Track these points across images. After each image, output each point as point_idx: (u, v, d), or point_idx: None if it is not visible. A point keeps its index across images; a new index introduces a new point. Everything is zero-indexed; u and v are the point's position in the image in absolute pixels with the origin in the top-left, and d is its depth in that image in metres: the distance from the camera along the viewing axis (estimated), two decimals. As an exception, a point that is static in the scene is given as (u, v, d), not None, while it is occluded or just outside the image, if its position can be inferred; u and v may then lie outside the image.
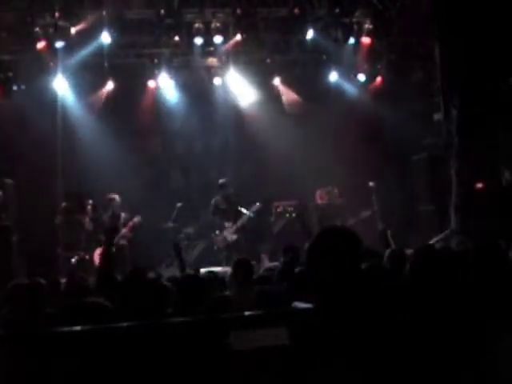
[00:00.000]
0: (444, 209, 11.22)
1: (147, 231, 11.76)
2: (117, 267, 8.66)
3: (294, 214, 12.49)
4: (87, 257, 10.96)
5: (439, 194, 11.55)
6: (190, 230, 12.30)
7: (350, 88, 13.13)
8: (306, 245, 2.68)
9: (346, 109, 12.79)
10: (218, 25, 11.81)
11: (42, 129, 11.61)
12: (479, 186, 10.68)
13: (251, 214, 11.51)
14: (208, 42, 11.98)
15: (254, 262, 7.20)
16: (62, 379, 2.89)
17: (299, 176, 12.17)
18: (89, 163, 11.90)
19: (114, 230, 5.80)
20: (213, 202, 11.62)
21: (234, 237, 11.47)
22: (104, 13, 11.29)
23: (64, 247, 11.34)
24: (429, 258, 3.86)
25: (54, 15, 11.20)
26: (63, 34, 11.23)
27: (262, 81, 13.16)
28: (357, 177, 11.95)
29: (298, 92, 13.23)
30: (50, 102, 12.05)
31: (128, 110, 12.77)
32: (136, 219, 11.19)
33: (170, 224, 11.92)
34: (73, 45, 11.48)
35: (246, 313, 3.63)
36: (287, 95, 13.30)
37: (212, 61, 12.88)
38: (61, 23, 11.18)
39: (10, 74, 11.80)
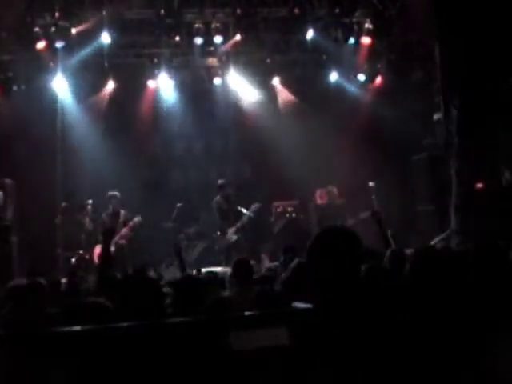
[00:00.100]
0: (444, 209, 11.22)
1: (147, 231, 11.76)
2: (117, 267, 8.69)
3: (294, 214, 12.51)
4: (87, 256, 10.96)
5: (439, 193, 11.55)
6: (189, 230, 12.30)
7: (350, 88, 13.12)
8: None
9: (346, 109, 12.79)
10: (218, 25, 11.81)
11: (41, 129, 11.61)
12: (479, 185, 10.68)
13: (251, 214, 11.51)
14: (208, 41, 11.98)
15: (253, 262, 7.22)
16: (62, 379, 2.89)
17: (299, 176, 12.17)
18: (89, 163, 11.90)
19: (112, 231, 5.79)
20: (213, 202, 11.61)
21: (235, 237, 11.47)
22: (104, 13, 11.29)
23: (64, 247, 11.34)
24: (429, 258, 3.86)
25: (54, 15, 11.20)
26: (63, 34, 11.24)
27: (262, 81, 13.16)
28: (357, 177, 11.95)
29: (297, 92, 13.23)
30: (50, 102, 12.06)
31: (128, 110, 12.77)
32: (136, 219, 11.19)
33: (170, 224, 11.92)
34: (73, 45, 11.49)
35: (246, 313, 3.63)
36: (283, 96, 13.31)
37: (212, 61, 12.88)
38: (61, 23, 11.18)
39: (10, 74, 11.80)
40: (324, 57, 12.89)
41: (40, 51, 11.40)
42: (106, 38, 11.39)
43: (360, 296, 2.49)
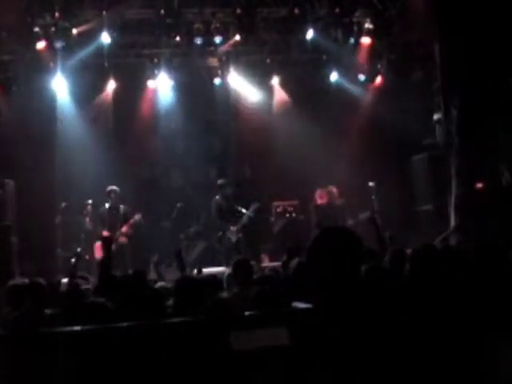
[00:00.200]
0: (444, 209, 11.23)
1: (147, 231, 11.76)
2: (117, 266, 8.69)
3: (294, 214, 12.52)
4: (87, 256, 10.96)
5: (439, 194, 11.55)
6: (190, 230, 12.29)
7: (350, 88, 13.12)
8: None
9: (346, 109, 12.78)
10: (218, 25, 11.81)
11: (41, 129, 11.61)
12: (479, 185, 10.69)
13: (251, 214, 11.51)
14: (208, 41, 11.97)
15: (253, 262, 7.22)
16: (62, 379, 2.89)
17: (299, 176, 12.16)
18: (88, 163, 11.89)
19: (111, 239, 5.76)
20: (213, 202, 11.61)
21: (235, 237, 11.47)
22: (104, 13, 11.28)
23: (64, 247, 11.34)
24: (429, 258, 3.86)
25: (54, 15, 11.19)
26: (63, 34, 11.23)
27: (262, 81, 13.16)
28: (357, 177, 11.95)
29: (297, 92, 13.21)
30: (50, 102, 12.05)
31: (128, 110, 12.77)
32: (136, 216, 11.18)
33: (170, 224, 11.92)
34: (73, 45, 11.48)
35: (246, 313, 3.63)
36: (279, 96, 13.32)
37: (212, 61, 12.88)
38: (61, 23, 11.18)
39: (10, 74, 11.79)
40: (324, 57, 12.88)
41: (40, 51, 11.39)
42: (105, 38, 11.38)
43: (360, 296, 2.49)
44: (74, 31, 11.31)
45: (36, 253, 11.04)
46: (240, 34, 11.97)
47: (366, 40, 12.30)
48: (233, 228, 11.47)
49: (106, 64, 12.07)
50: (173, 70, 12.51)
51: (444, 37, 11.15)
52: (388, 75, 13.02)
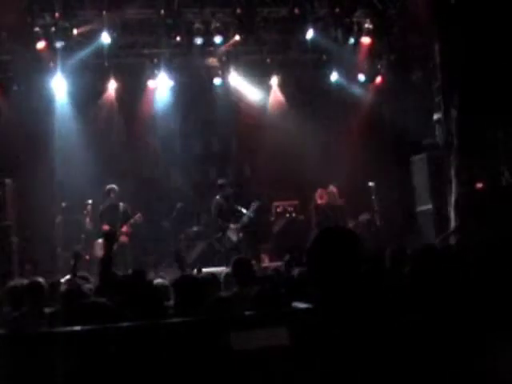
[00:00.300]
0: (444, 209, 11.22)
1: (147, 231, 11.76)
2: (117, 265, 8.69)
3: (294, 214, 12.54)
4: (87, 256, 10.96)
5: (439, 194, 11.54)
6: (190, 230, 12.29)
7: (350, 88, 13.12)
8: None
9: (346, 109, 12.79)
10: (218, 25, 11.81)
11: (41, 128, 11.61)
12: (479, 185, 10.69)
13: (251, 214, 11.51)
14: (208, 42, 11.97)
15: (253, 262, 7.22)
16: (62, 379, 2.89)
17: (299, 176, 12.16)
18: (88, 163, 11.89)
19: (113, 233, 5.71)
20: (213, 202, 11.61)
21: (235, 237, 11.47)
22: (104, 13, 11.28)
23: (64, 247, 11.34)
24: (429, 258, 3.86)
25: (54, 15, 11.19)
26: (63, 34, 11.23)
27: (262, 81, 13.16)
28: (357, 177, 11.95)
29: (297, 92, 13.22)
30: (50, 102, 12.05)
31: (128, 110, 12.77)
32: (137, 216, 11.19)
33: (170, 224, 11.92)
34: (73, 45, 11.49)
35: (246, 313, 3.63)
36: (274, 97, 13.32)
37: (212, 61, 12.87)
38: (61, 23, 11.18)
39: (10, 74, 11.79)
40: (324, 57, 12.89)
41: (40, 51, 11.39)
42: (105, 38, 11.39)
43: (360, 296, 2.49)
44: (74, 31, 11.32)
45: (36, 253, 11.04)
46: (240, 34, 11.97)
47: (365, 40, 12.31)
48: (233, 228, 11.47)
49: (106, 64, 12.06)
50: (173, 70, 12.51)
51: (444, 37, 11.15)
52: (388, 75, 13.03)
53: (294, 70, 13.19)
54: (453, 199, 10.94)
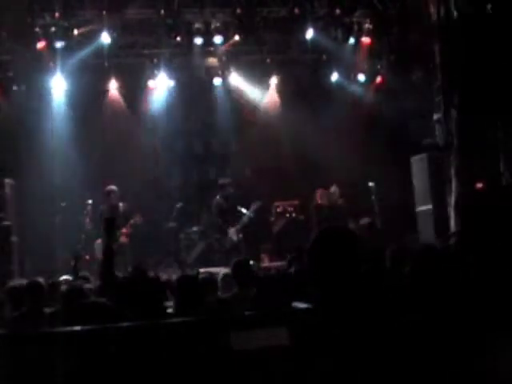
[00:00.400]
0: (444, 209, 11.22)
1: (147, 231, 11.76)
2: (118, 266, 8.68)
3: (294, 214, 12.54)
4: (87, 256, 10.96)
5: (439, 194, 11.53)
6: (189, 230, 12.29)
7: (349, 88, 13.12)
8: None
9: (346, 109, 12.78)
10: (218, 25, 11.82)
11: (41, 128, 11.61)
12: (479, 185, 10.68)
13: (251, 214, 11.51)
14: (208, 41, 11.98)
15: (253, 262, 7.22)
16: (62, 379, 2.89)
17: (299, 176, 12.16)
18: (88, 163, 11.89)
19: (112, 219, 5.61)
20: (214, 202, 11.62)
21: (235, 237, 11.47)
22: (104, 13, 11.28)
23: (64, 247, 11.33)
24: (429, 258, 3.86)
25: (54, 15, 11.20)
26: (63, 34, 11.24)
27: (262, 81, 13.17)
28: (357, 177, 11.95)
29: (297, 92, 13.21)
30: (50, 102, 12.05)
31: (128, 110, 12.77)
32: (136, 217, 11.19)
33: (170, 224, 11.92)
34: (73, 45, 11.49)
35: (246, 313, 3.63)
36: (274, 97, 13.32)
37: (212, 61, 12.88)
38: (61, 23, 11.18)
39: (10, 74, 11.79)
40: (324, 57, 12.89)
41: (40, 51, 11.40)
42: (105, 38, 11.39)
43: (360, 296, 2.49)
44: (74, 31, 11.32)
45: (36, 253, 11.03)
46: (240, 34, 11.97)
47: (365, 40, 12.32)
48: (233, 228, 11.47)
49: (106, 64, 12.06)
50: (173, 70, 12.52)
51: (444, 37, 11.15)
52: (388, 75, 13.03)
53: (294, 70, 13.19)
54: (453, 199, 10.93)
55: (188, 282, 4.82)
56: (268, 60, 12.87)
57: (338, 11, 11.92)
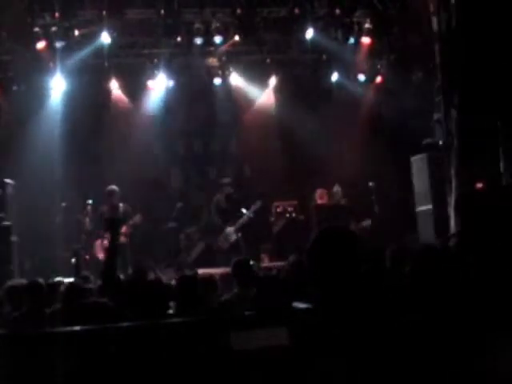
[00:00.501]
0: (444, 209, 11.21)
1: (147, 231, 11.76)
2: (118, 266, 8.68)
3: (294, 214, 12.54)
4: (87, 256, 10.96)
5: (439, 194, 11.53)
6: (189, 229, 12.30)
7: (349, 88, 13.12)
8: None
9: (346, 109, 12.79)
10: (218, 25, 11.81)
11: (41, 128, 11.61)
12: (479, 185, 10.67)
13: (251, 214, 11.51)
14: (208, 41, 11.97)
15: (254, 262, 7.22)
16: (62, 379, 2.89)
17: (299, 176, 12.16)
18: (88, 163, 11.89)
19: (112, 220, 5.57)
20: (214, 202, 11.62)
21: (235, 237, 11.47)
22: (104, 13, 11.28)
23: (64, 247, 11.34)
24: (429, 258, 3.86)
25: (54, 15, 11.19)
26: (63, 34, 11.23)
27: (262, 81, 13.17)
28: (357, 177, 11.95)
29: (297, 92, 13.22)
30: (50, 102, 12.05)
31: (128, 110, 12.77)
32: (137, 217, 11.19)
33: (170, 224, 11.92)
34: (73, 45, 11.48)
35: (246, 313, 3.63)
36: (273, 97, 13.32)
37: (212, 61, 12.88)
38: (61, 23, 11.18)
39: (10, 74, 11.79)
40: (324, 57, 12.89)
41: (40, 51, 11.39)
42: (105, 37, 11.38)
43: (360, 296, 2.49)
44: (75, 31, 11.32)
45: (36, 253, 11.03)
46: (240, 34, 11.97)
47: (365, 40, 12.31)
48: (232, 228, 11.47)
49: (106, 64, 12.07)
50: (173, 70, 12.52)
51: (444, 37, 11.14)
52: (388, 75, 13.03)
53: (294, 70, 13.20)
54: (453, 199, 10.92)
55: (188, 282, 4.83)
56: (268, 60, 12.88)
57: (338, 11, 11.91)
